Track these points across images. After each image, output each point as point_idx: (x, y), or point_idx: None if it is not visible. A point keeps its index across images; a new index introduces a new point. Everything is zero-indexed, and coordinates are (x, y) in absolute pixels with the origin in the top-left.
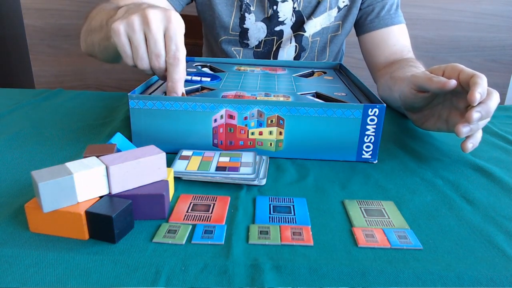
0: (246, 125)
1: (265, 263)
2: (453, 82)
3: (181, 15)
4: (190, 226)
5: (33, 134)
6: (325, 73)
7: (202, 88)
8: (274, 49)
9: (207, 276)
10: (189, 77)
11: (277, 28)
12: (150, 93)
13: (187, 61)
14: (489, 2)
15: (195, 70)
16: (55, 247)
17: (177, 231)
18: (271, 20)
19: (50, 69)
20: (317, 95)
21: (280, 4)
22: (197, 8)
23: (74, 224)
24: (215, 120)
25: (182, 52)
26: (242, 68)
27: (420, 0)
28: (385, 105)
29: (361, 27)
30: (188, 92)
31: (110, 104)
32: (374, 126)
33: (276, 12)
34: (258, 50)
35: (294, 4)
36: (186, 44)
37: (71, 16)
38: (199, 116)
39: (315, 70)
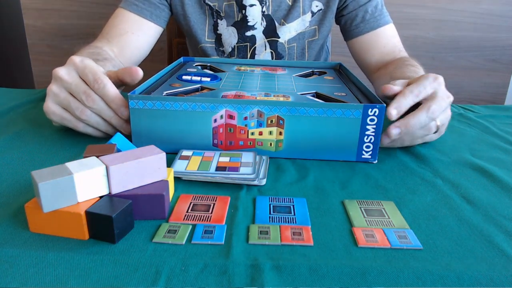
0: (246, 125)
1: (265, 263)
2: (388, 89)
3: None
4: (190, 226)
5: (33, 134)
6: (325, 73)
7: (202, 88)
8: (249, 56)
9: (207, 276)
10: (189, 77)
11: (249, 33)
12: (150, 93)
13: (187, 61)
14: (489, 2)
15: (195, 70)
16: (55, 247)
17: (177, 231)
18: (241, 24)
19: (50, 69)
20: (317, 95)
21: (248, 8)
22: (175, 20)
23: (74, 224)
24: (215, 120)
25: (99, 79)
26: (242, 68)
27: (420, 0)
28: (385, 105)
29: (347, 33)
30: (188, 92)
31: None
32: (374, 126)
33: (245, 16)
34: (233, 58)
35: (262, 8)
36: (181, 44)
37: (71, 16)
38: (199, 116)
39: (315, 70)
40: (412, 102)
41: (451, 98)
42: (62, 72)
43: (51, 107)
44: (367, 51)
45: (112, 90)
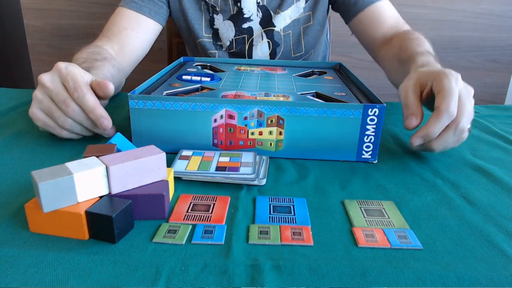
0: (246, 125)
1: (265, 263)
2: (414, 140)
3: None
4: (190, 226)
5: (33, 134)
6: (325, 73)
7: (202, 88)
8: (247, 47)
9: (207, 276)
10: (189, 77)
11: (245, 26)
12: (150, 93)
13: (187, 61)
14: (489, 2)
15: (195, 70)
16: (55, 247)
17: (177, 231)
18: (238, 17)
19: (50, 69)
20: (317, 95)
21: (243, 1)
22: (172, 17)
23: (74, 224)
24: (215, 120)
25: (80, 88)
26: (242, 68)
27: (420, 0)
28: (385, 105)
29: (348, 13)
30: (188, 92)
31: (110, 104)
32: (374, 126)
33: (240, 9)
34: (231, 51)
35: None
36: (181, 44)
37: (71, 16)
38: (199, 116)
39: (315, 70)
40: (441, 130)
41: (472, 91)
42: (45, 78)
43: (36, 112)
44: (371, 26)
45: (91, 100)
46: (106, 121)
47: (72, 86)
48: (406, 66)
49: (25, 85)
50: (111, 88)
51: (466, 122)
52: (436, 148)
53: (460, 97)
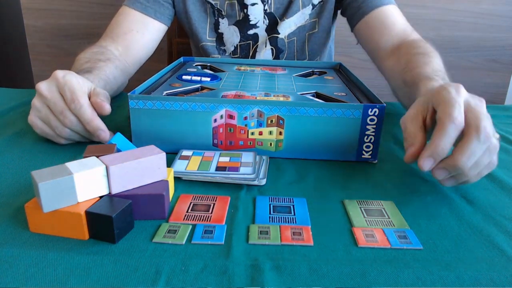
0: (246, 125)
1: (265, 263)
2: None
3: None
4: (190, 226)
5: (33, 134)
6: (325, 73)
7: (202, 88)
8: (251, 53)
9: (207, 276)
10: (189, 77)
11: (251, 32)
12: (150, 93)
13: (187, 61)
14: (489, 2)
15: (195, 70)
16: (55, 247)
17: (177, 231)
18: (243, 23)
19: (50, 69)
20: (317, 95)
21: (250, 7)
22: (177, 18)
23: (74, 224)
24: (215, 120)
25: (77, 99)
26: (242, 68)
27: (420, 0)
28: (385, 105)
29: (352, 18)
30: (188, 92)
31: (110, 104)
32: (374, 126)
33: (247, 15)
34: (235, 56)
35: (264, 6)
36: (181, 44)
37: (71, 16)
38: (199, 116)
39: (315, 70)
40: (451, 145)
41: (484, 100)
42: (43, 87)
43: (34, 120)
44: (377, 31)
45: (88, 112)
46: (103, 133)
47: (69, 97)
48: (412, 90)
49: (25, 85)
50: (107, 109)
51: (488, 125)
52: (464, 165)
53: (469, 104)
